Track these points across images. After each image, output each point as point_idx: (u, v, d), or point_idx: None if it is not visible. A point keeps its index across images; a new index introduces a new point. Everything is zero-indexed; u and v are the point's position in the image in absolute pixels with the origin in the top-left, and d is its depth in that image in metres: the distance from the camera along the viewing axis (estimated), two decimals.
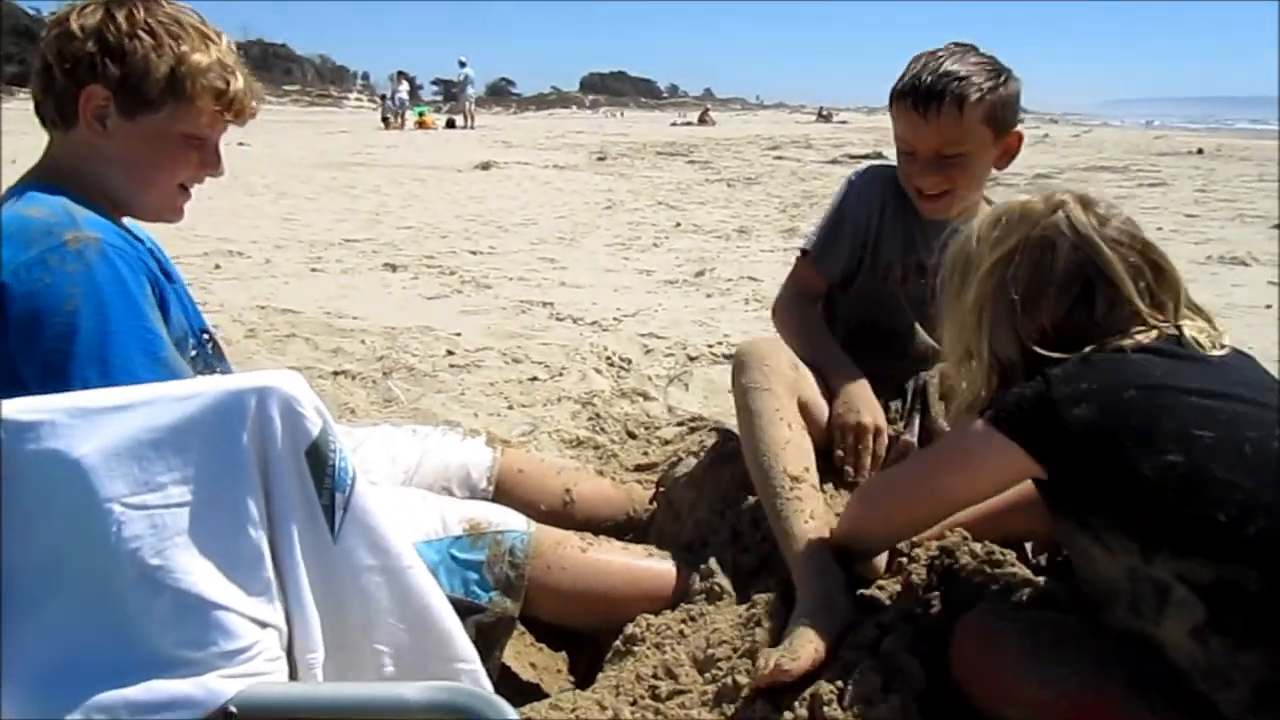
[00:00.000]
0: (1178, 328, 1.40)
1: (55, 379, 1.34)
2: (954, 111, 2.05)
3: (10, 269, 1.40)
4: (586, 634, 1.91)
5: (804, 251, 2.34)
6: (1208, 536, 1.23)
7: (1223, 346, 1.40)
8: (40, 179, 1.59)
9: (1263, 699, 1.18)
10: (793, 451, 1.80)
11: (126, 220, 1.64)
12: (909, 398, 2.25)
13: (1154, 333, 1.39)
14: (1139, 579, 1.29)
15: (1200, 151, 18.82)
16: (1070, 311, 1.42)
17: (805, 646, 1.50)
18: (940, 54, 2.14)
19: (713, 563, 1.84)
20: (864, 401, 2.04)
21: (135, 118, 1.57)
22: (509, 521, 1.79)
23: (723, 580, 1.80)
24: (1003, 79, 2.12)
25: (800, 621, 1.57)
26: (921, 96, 2.08)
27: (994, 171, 2.27)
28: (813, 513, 1.74)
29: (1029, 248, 1.44)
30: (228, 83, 1.61)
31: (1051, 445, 1.34)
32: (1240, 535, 1.21)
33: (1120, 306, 1.41)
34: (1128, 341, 1.38)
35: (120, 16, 1.54)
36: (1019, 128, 2.20)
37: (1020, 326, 1.43)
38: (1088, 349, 1.37)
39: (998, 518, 1.75)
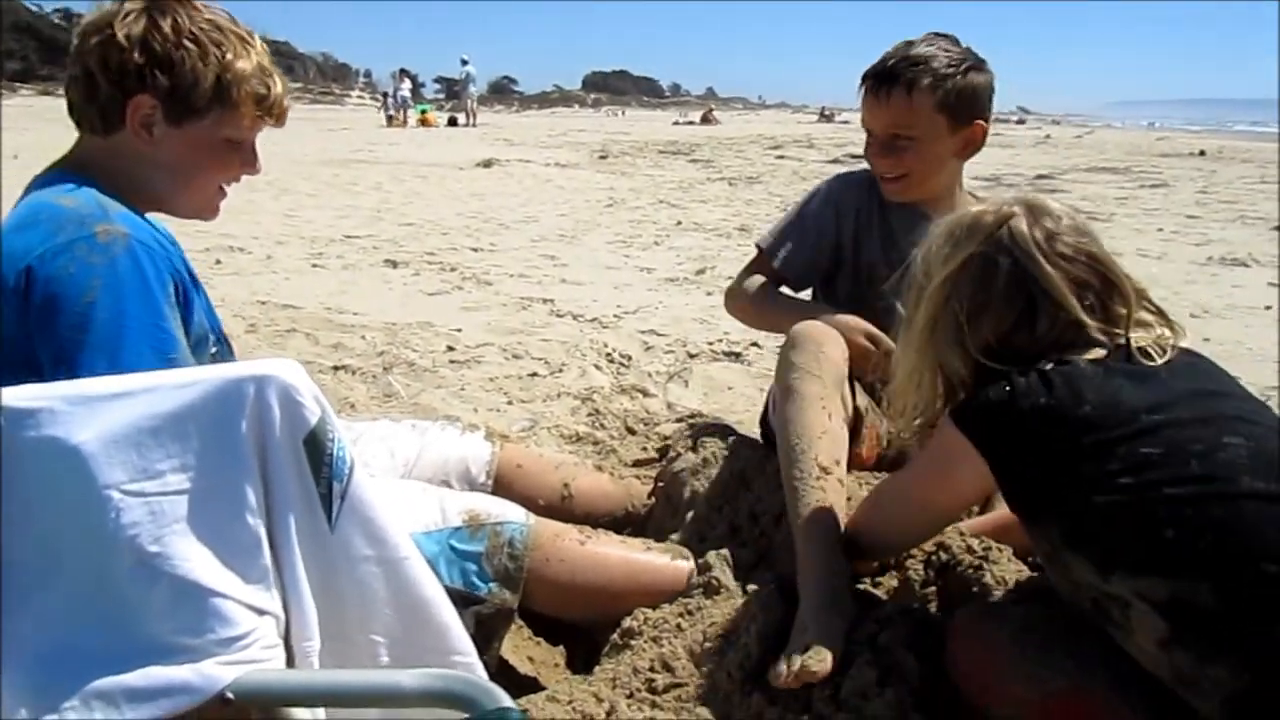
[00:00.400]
0: (1127, 340, 1.40)
1: (65, 367, 1.34)
2: (903, 94, 2.11)
3: (37, 254, 1.41)
4: (584, 627, 1.91)
5: (758, 247, 2.38)
6: (1159, 554, 1.23)
7: (1173, 348, 1.40)
8: (73, 170, 1.60)
9: (1234, 711, 1.18)
10: (827, 442, 1.78)
11: (151, 216, 1.65)
12: None
13: (1100, 350, 1.40)
14: (1100, 594, 1.30)
15: (1202, 153, 18.82)
16: (1014, 328, 1.42)
17: (826, 648, 1.50)
18: (915, 41, 2.18)
19: (710, 556, 1.84)
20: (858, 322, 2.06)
21: (182, 125, 1.59)
22: (508, 513, 1.80)
23: (720, 574, 1.81)
24: (965, 69, 2.13)
25: (810, 620, 1.57)
26: (877, 77, 2.15)
27: (963, 163, 2.29)
28: (834, 507, 1.73)
29: (972, 264, 1.44)
30: (268, 87, 1.64)
31: (1010, 457, 1.36)
32: (1191, 552, 1.21)
33: (1063, 323, 1.41)
34: (1079, 356, 1.39)
35: (165, 25, 1.55)
36: (986, 121, 2.21)
37: (966, 342, 1.44)
38: (1046, 364, 1.37)
39: (1001, 534, 1.75)
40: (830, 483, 1.75)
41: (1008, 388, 1.36)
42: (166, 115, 1.58)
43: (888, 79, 2.14)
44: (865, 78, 2.18)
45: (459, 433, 2.20)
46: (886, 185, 2.25)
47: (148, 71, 1.54)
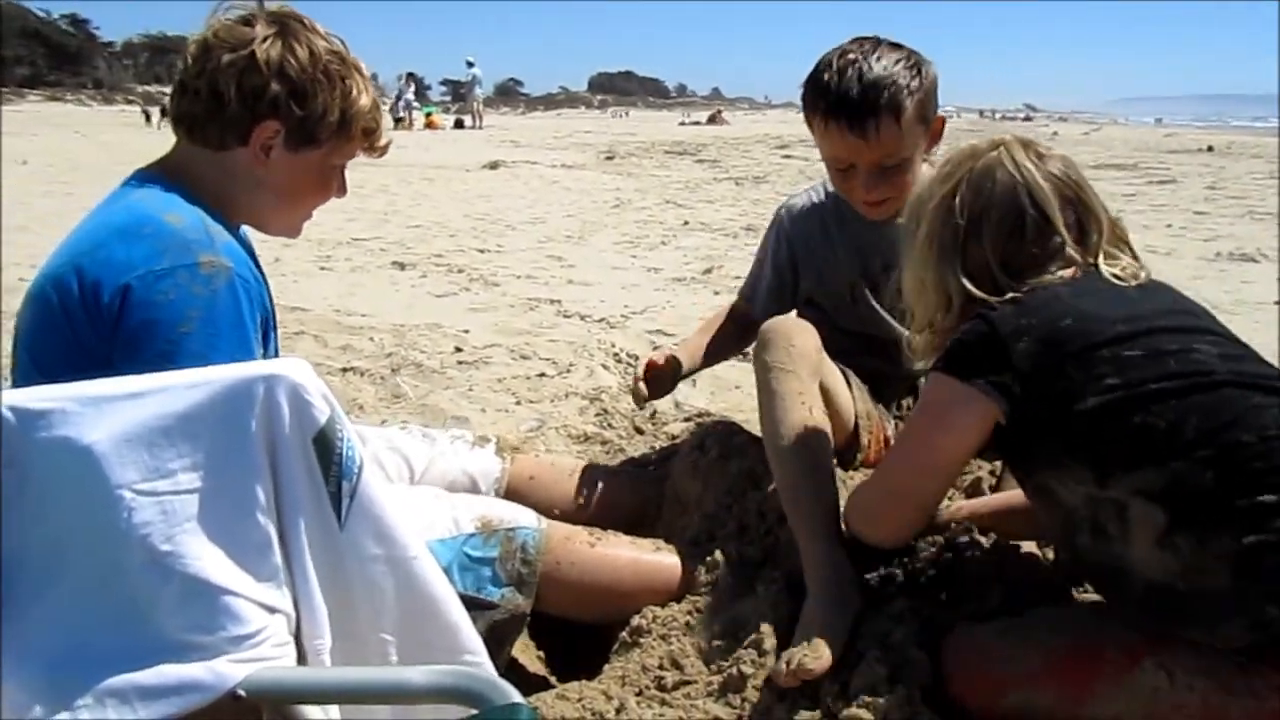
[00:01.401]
0: (1095, 265, 1.50)
1: None
2: (892, 123, 1.96)
3: (138, 273, 1.43)
4: (593, 627, 1.92)
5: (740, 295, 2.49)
6: (1153, 445, 1.32)
7: (1139, 277, 1.52)
8: (176, 179, 1.61)
9: (1245, 569, 1.25)
10: (815, 438, 1.77)
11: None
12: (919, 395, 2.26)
13: (1073, 269, 1.50)
14: (1098, 504, 1.37)
15: (1210, 149, 18.75)
16: (1006, 240, 1.50)
17: (825, 644, 1.51)
18: (855, 57, 2.00)
19: (718, 555, 1.85)
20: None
21: (299, 152, 1.63)
22: (520, 518, 1.81)
23: (728, 573, 1.81)
24: (923, 71, 2.02)
25: (814, 616, 1.58)
26: (856, 114, 1.95)
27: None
28: (830, 501, 1.73)
29: (972, 178, 1.52)
30: (377, 122, 1.72)
31: (1005, 382, 1.41)
32: (1181, 437, 1.31)
33: (1049, 238, 1.50)
34: (1051, 278, 1.48)
35: (302, 53, 1.58)
36: (942, 115, 2.14)
37: (967, 253, 1.51)
38: (1018, 293, 1.46)
39: (1005, 516, 1.76)
40: (822, 479, 1.75)
41: (984, 321, 1.44)
42: (287, 141, 1.61)
43: (868, 111, 1.95)
44: (833, 114, 1.98)
45: (469, 446, 2.20)
46: (873, 210, 2.11)
47: (283, 100, 1.58)
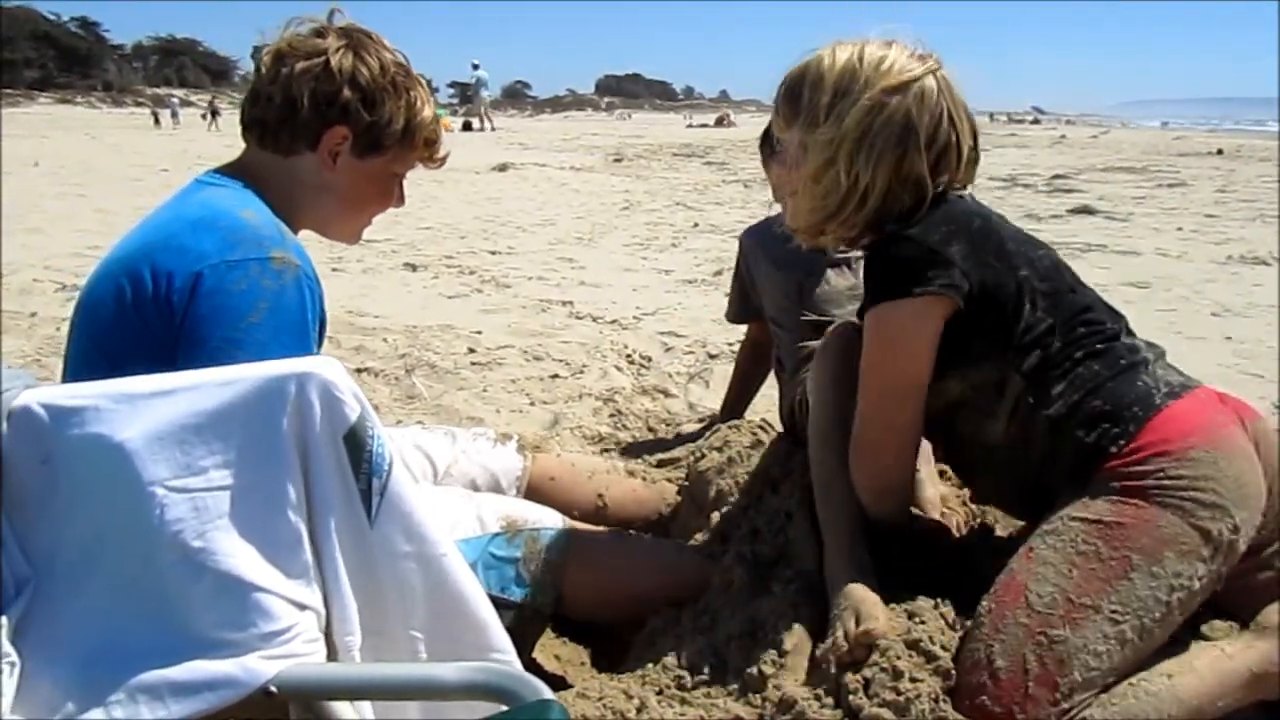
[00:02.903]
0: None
1: None
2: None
3: (211, 262, 1.46)
4: (611, 626, 1.93)
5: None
6: (1042, 339, 1.58)
7: None
8: (247, 180, 1.66)
9: (1077, 400, 1.55)
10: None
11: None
12: None
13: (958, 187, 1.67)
14: (985, 387, 1.61)
15: (1220, 152, 18.70)
16: (939, 156, 1.62)
17: (876, 606, 1.54)
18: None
19: (735, 555, 1.85)
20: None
21: (365, 158, 1.69)
22: (544, 519, 1.82)
23: (745, 574, 1.81)
24: None
25: (853, 593, 1.58)
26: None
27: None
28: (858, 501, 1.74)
29: (920, 91, 1.60)
30: (437, 134, 1.78)
31: (953, 280, 1.53)
32: (1052, 325, 1.58)
33: (954, 159, 1.64)
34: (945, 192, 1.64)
35: (371, 63, 1.66)
36: None
37: (905, 159, 1.59)
38: (919, 207, 1.60)
39: None
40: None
41: (909, 240, 1.56)
42: (354, 147, 1.67)
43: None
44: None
45: (490, 444, 2.21)
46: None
47: (354, 106, 1.64)
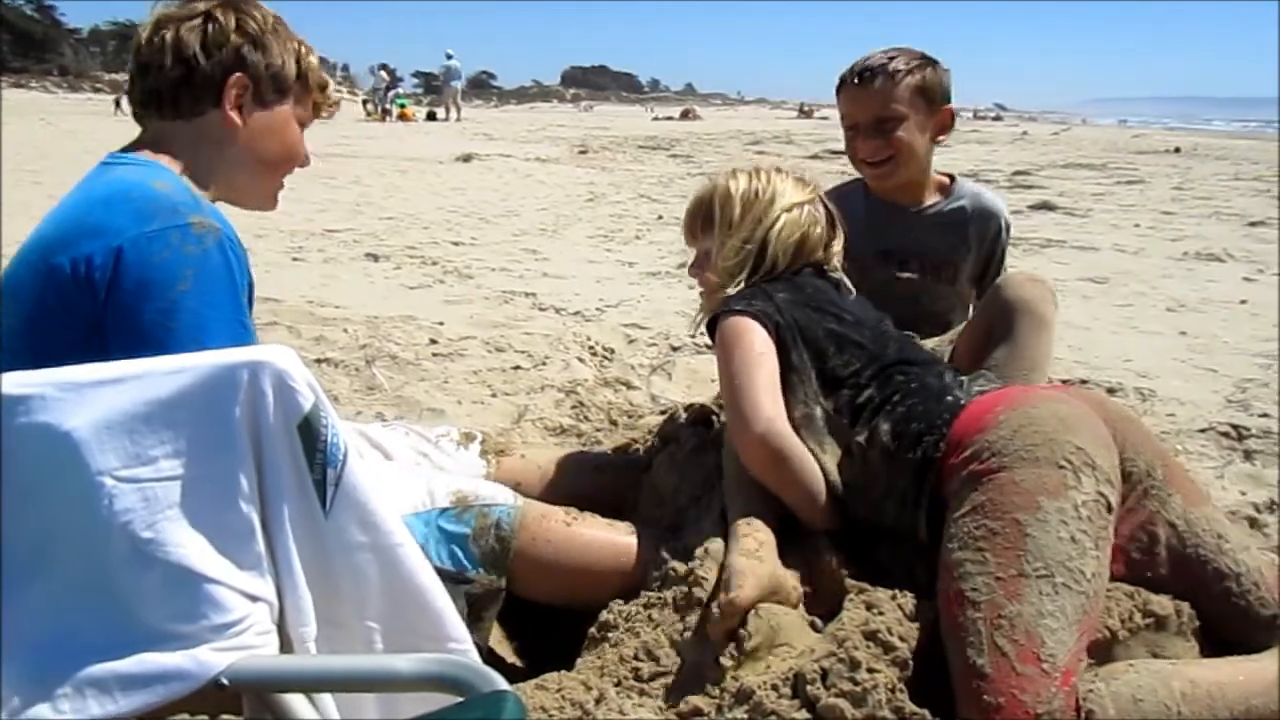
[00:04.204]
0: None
1: (151, 350, 1.35)
2: (887, 80, 2.47)
3: (129, 236, 1.43)
4: (566, 611, 1.92)
5: None
6: (847, 382, 1.88)
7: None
8: (154, 152, 1.66)
9: (900, 430, 1.76)
10: None
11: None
12: None
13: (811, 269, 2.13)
14: (801, 418, 1.86)
15: (1177, 150, 18.99)
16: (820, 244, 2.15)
17: (745, 575, 1.62)
18: (875, 53, 2.54)
19: (691, 543, 1.85)
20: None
21: (270, 107, 1.70)
22: (496, 495, 1.81)
23: (699, 564, 1.81)
24: (929, 65, 2.51)
25: (733, 549, 1.70)
26: (859, 73, 2.51)
27: (939, 150, 2.64)
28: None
29: (816, 202, 2.17)
30: (327, 80, 1.82)
31: (769, 310, 1.94)
32: (864, 377, 1.88)
33: (819, 252, 2.15)
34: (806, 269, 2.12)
35: (255, 14, 1.69)
36: (950, 107, 2.57)
37: (791, 247, 2.10)
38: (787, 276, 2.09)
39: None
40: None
41: (758, 288, 2.04)
42: (256, 95, 1.68)
43: (870, 71, 2.49)
44: (844, 80, 2.54)
45: (454, 446, 2.19)
46: (873, 171, 2.57)
47: (247, 51, 1.66)
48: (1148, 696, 1.43)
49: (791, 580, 1.69)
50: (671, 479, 2.17)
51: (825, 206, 2.18)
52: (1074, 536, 1.50)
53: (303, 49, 1.75)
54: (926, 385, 1.84)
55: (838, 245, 2.18)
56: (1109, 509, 1.57)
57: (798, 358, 1.91)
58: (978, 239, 2.66)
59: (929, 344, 2.35)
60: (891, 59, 2.48)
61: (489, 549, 1.74)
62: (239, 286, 1.50)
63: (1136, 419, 1.84)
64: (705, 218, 2.20)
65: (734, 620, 1.58)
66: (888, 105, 2.47)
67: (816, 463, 1.83)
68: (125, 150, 1.68)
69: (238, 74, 1.65)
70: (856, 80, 2.50)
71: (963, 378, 1.90)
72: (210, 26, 1.64)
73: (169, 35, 1.63)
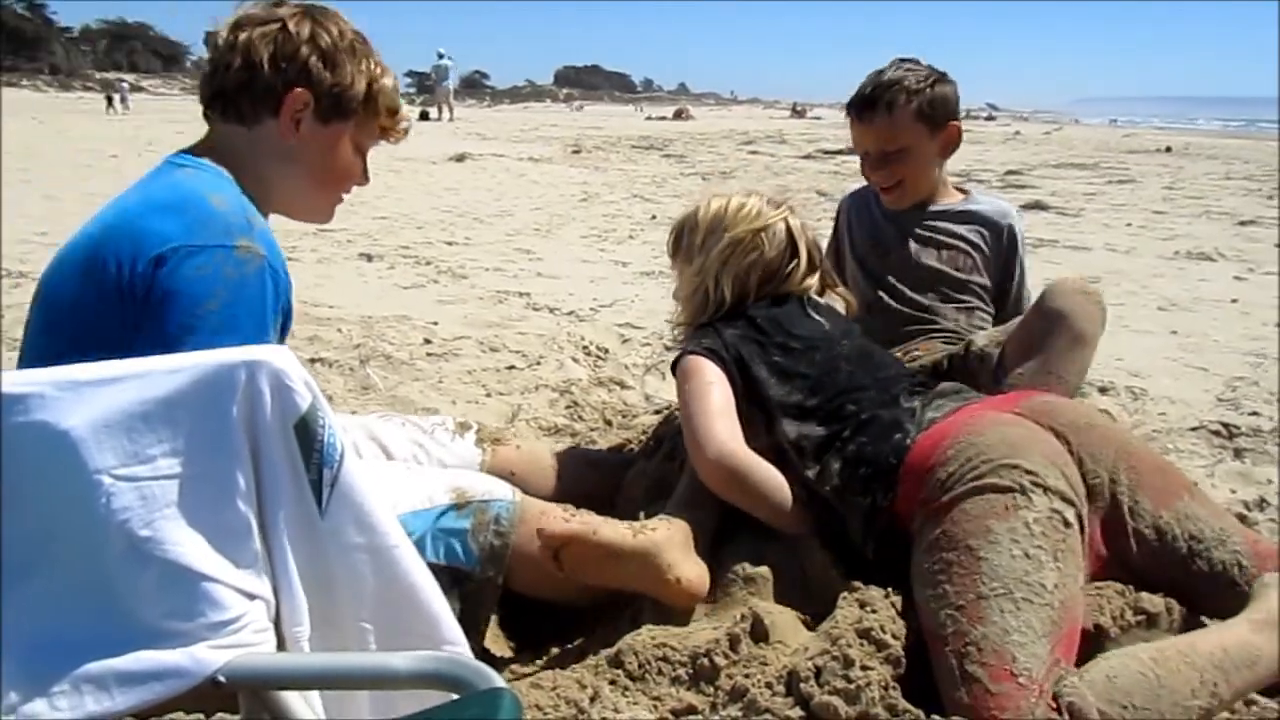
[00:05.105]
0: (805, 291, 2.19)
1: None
2: (885, 114, 2.50)
3: (173, 245, 1.45)
4: (561, 608, 1.93)
5: None
6: (791, 413, 1.93)
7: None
8: (215, 159, 1.66)
9: (849, 472, 1.80)
10: None
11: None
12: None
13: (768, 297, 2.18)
14: (788, 443, 1.90)
15: (1168, 150, 19.03)
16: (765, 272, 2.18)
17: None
18: (884, 69, 2.56)
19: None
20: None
21: (329, 124, 1.69)
22: (494, 490, 1.81)
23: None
24: (931, 82, 2.53)
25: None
26: (858, 105, 2.55)
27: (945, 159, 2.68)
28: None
29: (767, 230, 2.19)
30: (399, 104, 1.81)
31: (717, 348, 2.03)
32: (808, 407, 1.92)
33: (788, 278, 2.19)
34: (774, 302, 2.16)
35: (332, 29, 1.69)
36: (959, 122, 2.62)
37: (741, 276, 2.17)
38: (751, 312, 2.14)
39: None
40: None
41: (712, 326, 2.12)
42: (317, 112, 1.67)
43: (869, 105, 2.52)
44: (849, 107, 2.58)
45: (449, 435, 2.19)
46: (886, 195, 2.66)
47: (315, 66, 1.65)
48: (1121, 672, 1.43)
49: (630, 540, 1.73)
50: (642, 486, 2.19)
51: (789, 228, 2.19)
52: (1027, 553, 1.51)
53: (377, 70, 1.73)
54: (877, 418, 1.85)
55: (798, 265, 2.19)
56: (1066, 524, 1.57)
57: (748, 391, 1.98)
58: (994, 240, 2.69)
59: (981, 342, 2.35)
60: (891, 86, 2.49)
61: (487, 545, 1.74)
62: (270, 316, 1.51)
63: (1097, 424, 1.81)
64: (674, 243, 2.32)
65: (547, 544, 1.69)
66: (889, 140, 2.53)
67: (780, 474, 1.87)
68: (191, 150, 1.69)
69: (300, 89, 1.64)
70: (858, 112, 2.55)
71: (916, 402, 1.89)
72: (282, 35, 1.64)
73: (242, 37, 1.64)
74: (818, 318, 2.14)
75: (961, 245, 2.66)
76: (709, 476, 1.86)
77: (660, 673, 1.62)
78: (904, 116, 2.49)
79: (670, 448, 2.29)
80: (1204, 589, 1.66)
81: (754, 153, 16.74)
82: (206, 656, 1.01)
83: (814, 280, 2.21)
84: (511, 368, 3.81)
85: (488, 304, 5.01)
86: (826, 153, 15.72)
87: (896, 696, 1.45)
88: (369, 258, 6.21)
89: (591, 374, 3.78)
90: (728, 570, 1.80)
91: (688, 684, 1.59)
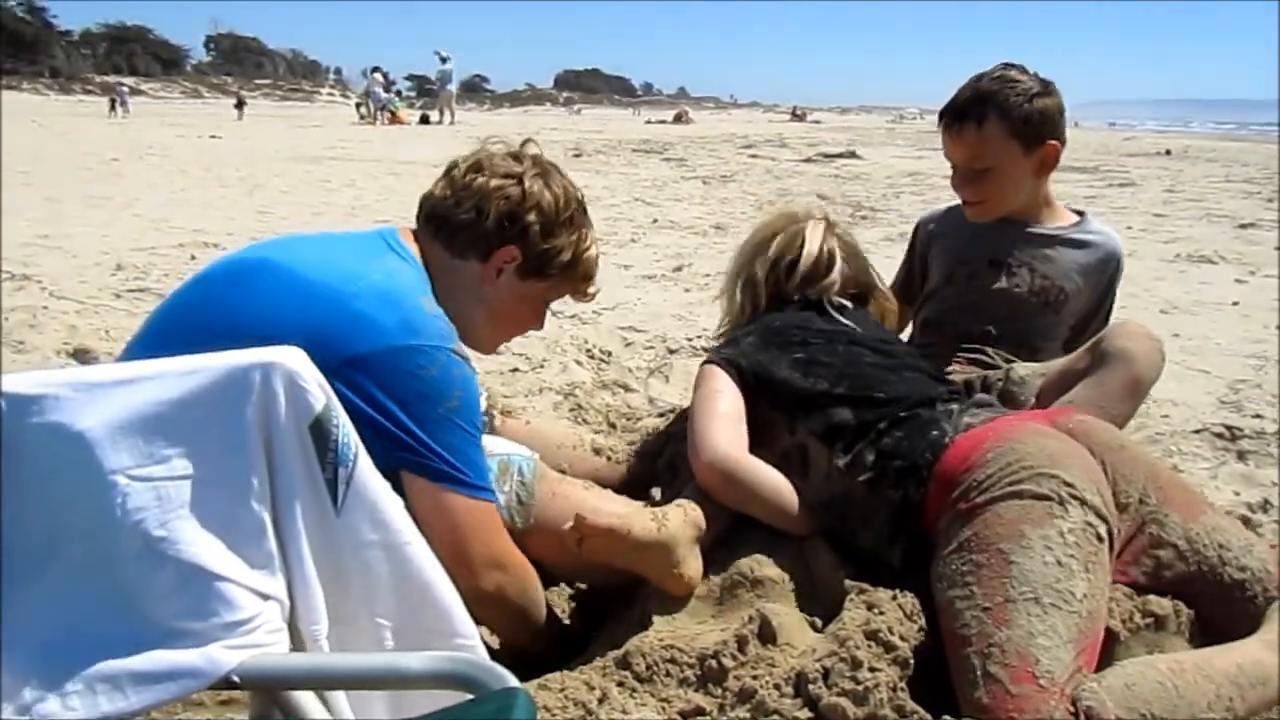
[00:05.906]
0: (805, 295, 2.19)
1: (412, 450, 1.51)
2: (974, 129, 2.34)
3: (399, 342, 1.51)
4: (573, 581, 1.97)
5: None
6: (817, 398, 1.90)
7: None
8: (422, 266, 1.74)
9: (883, 463, 1.77)
10: None
11: None
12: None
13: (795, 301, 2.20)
14: (792, 448, 1.90)
15: (1168, 153, 19.08)
16: (797, 280, 2.21)
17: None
18: (983, 75, 2.40)
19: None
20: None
21: (527, 281, 1.79)
22: (513, 449, 1.84)
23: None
24: (1031, 96, 2.33)
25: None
26: (949, 114, 2.39)
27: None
28: None
29: (789, 232, 2.25)
30: (595, 271, 1.93)
31: (734, 356, 2.02)
32: (835, 394, 1.89)
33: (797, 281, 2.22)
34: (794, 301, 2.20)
35: (557, 193, 1.80)
36: (1059, 140, 2.41)
37: (771, 277, 2.23)
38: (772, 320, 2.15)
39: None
40: None
41: (734, 340, 2.11)
42: (521, 268, 1.78)
43: (959, 116, 2.36)
44: (941, 115, 2.42)
45: None
46: (968, 209, 2.50)
47: (534, 231, 1.75)
48: (1139, 680, 1.44)
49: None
50: (664, 482, 2.19)
51: (809, 233, 2.22)
52: (1060, 560, 1.51)
53: (586, 242, 1.85)
54: (916, 415, 1.83)
55: (818, 269, 2.19)
56: (1099, 539, 1.57)
57: (768, 395, 1.95)
58: (1097, 276, 2.54)
59: (1022, 371, 2.27)
60: (985, 98, 2.33)
61: (512, 493, 1.76)
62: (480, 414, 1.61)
63: (1127, 445, 1.83)
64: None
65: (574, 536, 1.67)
66: (976, 156, 2.37)
67: (781, 476, 1.86)
68: (407, 238, 1.78)
69: (513, 246, 1.75)
70: (948, 120, 2.39)
71: (954, 405, 1.86)
72: (517, 194, 1.73)
73: (478, 183, 1.75)
74: (842, 319, 2.12)
75: (1055, 278, 2.48)
76: (704, 479, 1.86)
77: (668, 674, 1.62)
78: (994, 133, 2.32)
79: (673, 452, 2.29)
80: (1235, 594, 1.66)
81: (754, 156, 16.76)
82: (221, 656, 1.01)
83: (834, 278, 2.20)
84: (515, 370, 3.81)
85: None
86: (827, 156, 15.76)
87: (904, 698, 1.45)
88: None
89: (595, 377, 3.79)
90: (734, 572, 1.80)
91: (696, 685, 1.59)
